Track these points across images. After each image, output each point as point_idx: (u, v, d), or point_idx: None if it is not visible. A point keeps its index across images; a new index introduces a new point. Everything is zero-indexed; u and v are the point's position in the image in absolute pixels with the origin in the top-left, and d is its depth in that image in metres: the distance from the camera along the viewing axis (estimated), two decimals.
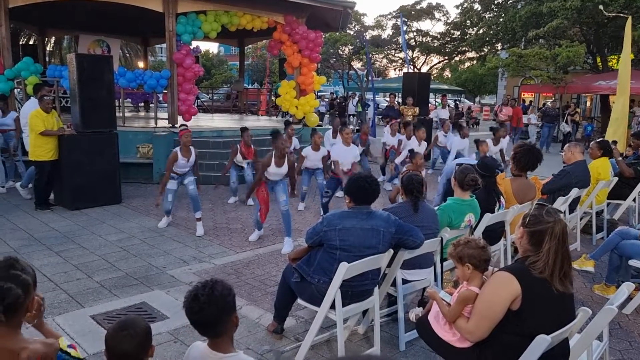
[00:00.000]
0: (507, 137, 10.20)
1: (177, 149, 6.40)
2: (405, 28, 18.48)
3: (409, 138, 9.49)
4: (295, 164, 6.76)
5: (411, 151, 7.78)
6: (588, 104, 26.86)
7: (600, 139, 7.60)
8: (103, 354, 2.28)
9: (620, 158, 7.20)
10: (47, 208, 7.35)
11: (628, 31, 10.27)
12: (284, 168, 5.87)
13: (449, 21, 31.14)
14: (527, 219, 2.54)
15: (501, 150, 9.28)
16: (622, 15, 14.09)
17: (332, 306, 3.25)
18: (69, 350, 2.01)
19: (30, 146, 7.26)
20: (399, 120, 11.14)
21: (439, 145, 10.91)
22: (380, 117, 12.85)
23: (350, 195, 3.48)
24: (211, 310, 1.92)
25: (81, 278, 4.86)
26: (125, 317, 2.00)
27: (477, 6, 26.03)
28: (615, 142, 8.78)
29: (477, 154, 8.06)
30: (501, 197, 4.74)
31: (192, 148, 6.48)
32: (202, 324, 1.97)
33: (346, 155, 7.16)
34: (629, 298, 4.32)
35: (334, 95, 28.68)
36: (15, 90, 10.76)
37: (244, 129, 8.03)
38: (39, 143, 7.14)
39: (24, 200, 7.78)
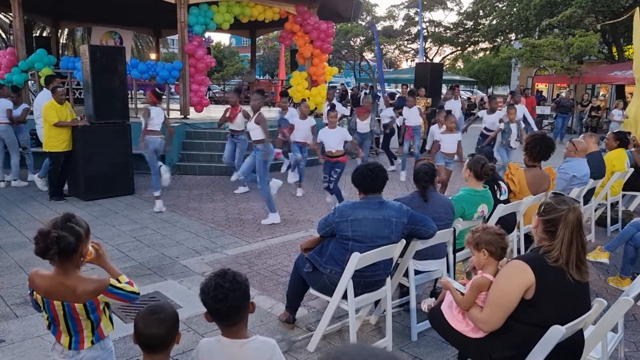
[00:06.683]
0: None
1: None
2: (420, 18, 18.25)
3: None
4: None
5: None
6: (602, 93, 26.46)
7: (618, 130, 7.49)
8: (118, 341, 2.31)
9: (634, 149, 7.08)
10: (61, 199, 7.44)
11: (637, 23, 9.62)
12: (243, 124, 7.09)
13: (461, 11, 30.76)
14: (542, 207, 2.55)
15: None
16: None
17: (344, 296, 3.25)
18: (124, 285, 2.30)
19: (44, 137, 7.34)
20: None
21: None
22: (393, 108, 12.93)
23: (356, 186, 3.48)
24: (236, 296, 1.95)
25: (95, 268, 4.88)
26: (155, 303, 2.05)
27: None
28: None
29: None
30: (500, 182, 4.68)
31: (163, 112, 7.24)
32: (227, 311, 1.97)
33: (330, 137, 7.19)
34: None
35: (345, 87, 28.49)
36: (30, 82, 10.85)
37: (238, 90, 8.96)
38: (53, 134, 7.21)
39: (39, 191, 7.86)
